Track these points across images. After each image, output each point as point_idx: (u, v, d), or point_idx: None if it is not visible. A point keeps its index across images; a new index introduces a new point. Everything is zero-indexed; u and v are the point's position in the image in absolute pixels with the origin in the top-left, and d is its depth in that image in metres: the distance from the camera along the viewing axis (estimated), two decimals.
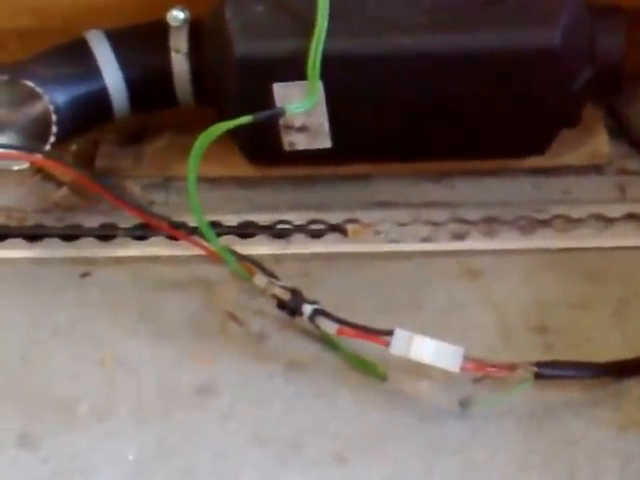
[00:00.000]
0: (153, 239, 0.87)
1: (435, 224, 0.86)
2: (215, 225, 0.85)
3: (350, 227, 0.87)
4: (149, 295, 0.83)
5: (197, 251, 0.83)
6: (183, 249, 0.85)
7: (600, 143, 0.89)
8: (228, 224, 0.88)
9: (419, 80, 0.81)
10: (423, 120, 0.84)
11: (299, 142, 0.85)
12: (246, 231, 0.88)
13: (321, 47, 0.78)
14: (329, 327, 0.75)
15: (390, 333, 0.72)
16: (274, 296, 0.78)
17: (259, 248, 0.86)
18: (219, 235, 0.84)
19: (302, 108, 0.79)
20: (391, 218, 0.87)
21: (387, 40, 0.80)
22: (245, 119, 0.77)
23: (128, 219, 0.87)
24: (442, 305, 0.81)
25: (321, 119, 0.83)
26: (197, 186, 0.78)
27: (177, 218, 0.85)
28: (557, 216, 0.86)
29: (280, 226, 0.88)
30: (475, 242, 0.85)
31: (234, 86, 0.82)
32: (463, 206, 0.87)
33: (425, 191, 0.89)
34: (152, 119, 0.94)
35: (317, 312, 0.76)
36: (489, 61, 0.80)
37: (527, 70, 0.80)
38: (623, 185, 0.88)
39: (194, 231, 0.82)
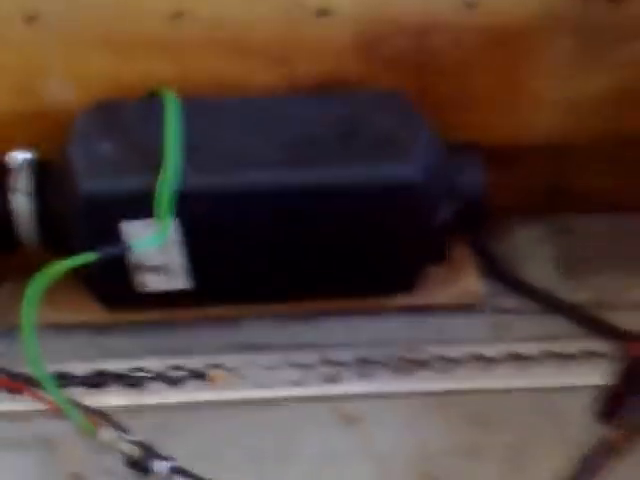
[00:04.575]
0: None
1: (305, 367, 0.80)
2: (63, 376, 0.79)
3: (212, 372, 0.80)
4: None
5: (39, 405, 0.76)
6: (24, 403, 0.77)
7: (470, 281, 0.85)
8: (77, 374, 0.80)
9: (276, 217, 0.75)
10: (282, 258, 0.78)
11: (152, 282, 0.78)
12: (97, 381, 0.79)
13: (172, 184, 0.72)
14: None
15: None
16: (122, 452, 0.69)
17: (111, 399, 0.78)
18: (66, 387, 0.78)
19: (151, 244, 0.73)
20: (258, 362, 0.80)
21: (241, 176, 0.74)
22: (88, 257, 0.70)
23: None
24: (316, 456, 0.74)
25: (177, 258, 0.76)
26: (42, 334, 0.72)
27: (20, 369, 0.78)
28: (435, 357, 0.80)
29: (135, 374, 0.80)
30: (349, 385, 0.79)
31: (80, 227, 0.75)
32: (334, 347, 0.81)
33: (294, 332, 0.83)
34: None
35: (173, 470, 0.67)
36: (346, 196, 0.74)
37: (386, 205, 0.75)
38: (500, 324, 0.83)
39: (35, 383, 0.75)
